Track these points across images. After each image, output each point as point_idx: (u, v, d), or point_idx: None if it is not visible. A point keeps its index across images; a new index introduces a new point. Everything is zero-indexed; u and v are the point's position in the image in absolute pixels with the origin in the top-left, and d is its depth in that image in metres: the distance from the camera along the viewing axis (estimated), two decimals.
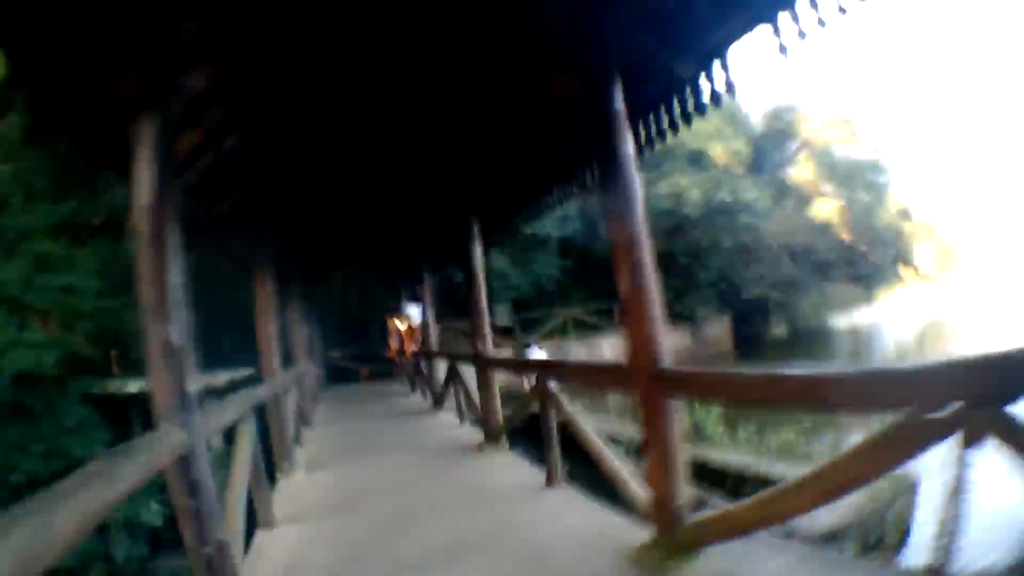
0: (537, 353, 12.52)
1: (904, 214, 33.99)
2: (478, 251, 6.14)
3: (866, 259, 28.66)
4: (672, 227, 22.46)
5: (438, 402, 8.65)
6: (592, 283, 22.42)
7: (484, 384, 6.03)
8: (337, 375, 14.95)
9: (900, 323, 26.72)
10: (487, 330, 6.18)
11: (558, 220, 20.20)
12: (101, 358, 8.17)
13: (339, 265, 13.07)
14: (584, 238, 21.79)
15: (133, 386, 7.59)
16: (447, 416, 7.81)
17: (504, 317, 18.92)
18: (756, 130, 28.66)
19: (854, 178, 29.30)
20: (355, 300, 17.47)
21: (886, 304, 31.19)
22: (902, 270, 32.42)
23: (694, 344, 22.08)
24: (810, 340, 23.09)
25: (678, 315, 22.20)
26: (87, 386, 7.58)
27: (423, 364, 10.69)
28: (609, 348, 18.85)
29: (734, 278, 23.07)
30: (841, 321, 26.42)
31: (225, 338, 9.33)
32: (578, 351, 18.57)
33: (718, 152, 25.21)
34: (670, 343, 2.61)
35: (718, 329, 23.23)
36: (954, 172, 70.88)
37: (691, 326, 22.66)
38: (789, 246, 24.19)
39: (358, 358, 16.45)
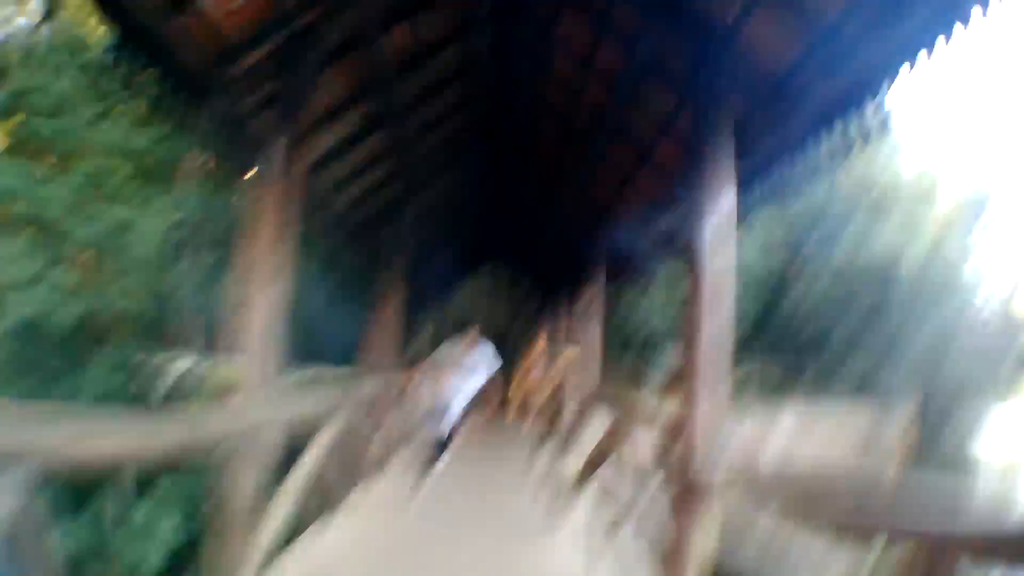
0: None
1: None
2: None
3: None
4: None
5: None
6: (778, 334, 16.62)
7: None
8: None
9: None
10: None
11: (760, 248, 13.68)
12: (146, 322, 6.80)
13: (480, 259, 11.20)
14: (782, 274, 16.24)
15: (183, 363, 6.08)
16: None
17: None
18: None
19: None
20: (497, 310, 12.56)
21: None
22: None
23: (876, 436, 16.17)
24: None
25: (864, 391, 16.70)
26: (127, 353, 6.16)
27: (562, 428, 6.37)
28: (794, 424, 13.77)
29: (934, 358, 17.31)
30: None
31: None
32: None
33: (944, 200, 19.59)
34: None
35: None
36: None
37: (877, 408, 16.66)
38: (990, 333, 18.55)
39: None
